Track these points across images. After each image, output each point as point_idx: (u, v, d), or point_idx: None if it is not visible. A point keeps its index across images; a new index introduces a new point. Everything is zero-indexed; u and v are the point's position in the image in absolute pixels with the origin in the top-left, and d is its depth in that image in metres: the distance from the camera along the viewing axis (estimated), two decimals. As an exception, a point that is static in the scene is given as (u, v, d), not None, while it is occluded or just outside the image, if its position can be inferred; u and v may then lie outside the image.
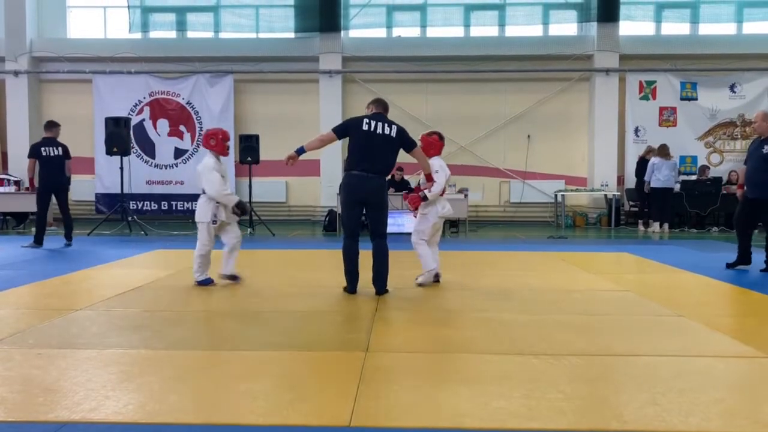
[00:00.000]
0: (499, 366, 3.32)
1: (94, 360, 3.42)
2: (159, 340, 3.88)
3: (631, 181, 13.76)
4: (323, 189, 14.23)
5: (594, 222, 14.04)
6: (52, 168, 9.21)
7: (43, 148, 9.13)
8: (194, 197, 14.02)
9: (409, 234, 11.03)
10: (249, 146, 11.76)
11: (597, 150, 14.11)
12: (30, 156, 9.28)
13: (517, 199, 14.50)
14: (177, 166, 14.25)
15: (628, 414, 2.67)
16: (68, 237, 9.28)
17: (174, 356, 3.52)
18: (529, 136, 14.41)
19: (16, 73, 14.36)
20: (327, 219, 12.40)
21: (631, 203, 13.87)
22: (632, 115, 14.02)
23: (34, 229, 9.50)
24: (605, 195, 13.79)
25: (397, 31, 14.81)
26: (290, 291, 5.51)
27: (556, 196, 13.89)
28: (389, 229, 11.69)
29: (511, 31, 14.62)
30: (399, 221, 11.63)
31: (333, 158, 14.19)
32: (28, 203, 11.03)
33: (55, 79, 14.78)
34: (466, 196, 12.09)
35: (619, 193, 13.75)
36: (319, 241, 10.77)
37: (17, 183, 12.91)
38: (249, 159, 11.70)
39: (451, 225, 12.48)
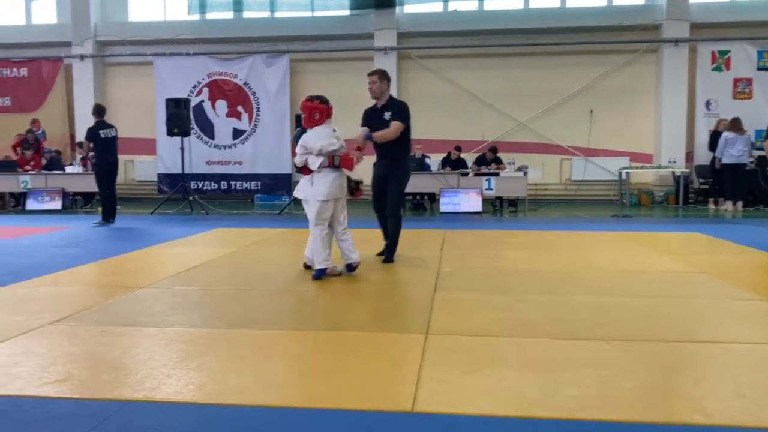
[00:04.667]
0: (568, 351, 3.15)
1: (155, 338, 3.44)
2: (219, 318, 3.88)
3: (700, 158, 13.09)
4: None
5: (660, 200, 13.45)
6: (111, 149, 9.63)
7: (101, 131, 9.44)
8: (252, 177, 14.44)
9: (466, 213, 10.82)
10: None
11: (664, 125, 13.46)
12: (89, 138, 9.62)
13: (578, 176, 14.04)
14: (235, 147, 14.44)
15: (712, 406, 2.47)
16: (112, 216, 9.65)
17: (234, 335, 3.51)
18: (591, 111, 13.88)
19: (82, 57, 14.80)
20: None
21: (701, 180, 13.20)
22: (703, 87, 13.29)
23: (101, 209, 9.81)
24: (673, 172, 13.18)
25: (453, 5, 14.44)
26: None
27: (620, 173, 13.36)
28: (446, 208, 11.53)
29: (573, 1, 14.06)
30: (455, 200, 11.46)
31: (389, 137, 14.05)
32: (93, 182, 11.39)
33: (118, 63, 15.18)
34: (525, 174, 11.77)
35: (687, 170, 13.11)
36: (371, 218, 10.69)
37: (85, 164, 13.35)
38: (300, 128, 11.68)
39: (510, 204, 12.20)
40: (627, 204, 12.84)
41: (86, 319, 3.85)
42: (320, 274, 5.04)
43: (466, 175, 11.87)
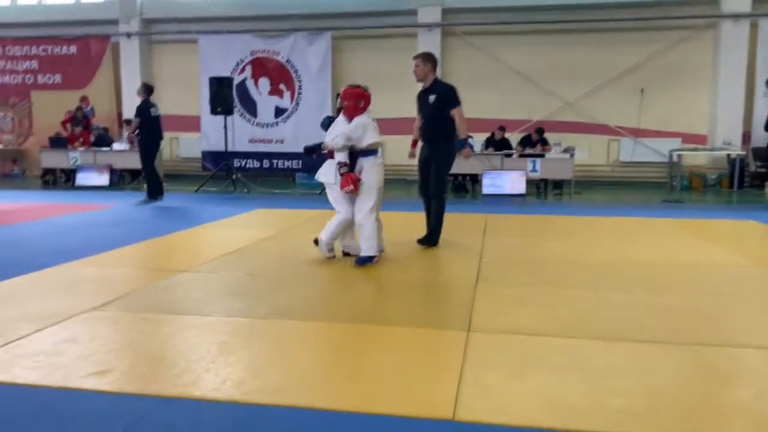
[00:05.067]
0: (616, 355, 3.02)
1: (195, 328, 3.45)
2: (259, 307, 3.87)
3: (758, 139, 12.50)
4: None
5: (713, 184, 12.92)
6: (158, 127, 9.85)
7: (151, 109, 9.58)
8: (294, 156, 14.45)
9: (509, 195, 10.61)
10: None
11: (720, 105, 12.87)
12: (139, 115, 9.70)
13: (627, 158, 13.60)
14: (277, 125, 14.45)
15: (776, 424, 2.32)
16: (159, 192, 9.85)
17: (272, 326, 3.48)
18: (642, 90, 13.36)
19: (129, 35, 14.98)
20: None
21: (758, 164, 12.61)
22: (765, 65, 12.61)
23: (146, 186, 9.97)
24: (728, 154, 12.62)
25: (500, -20, 14.02)
26: (388, 257, 5.37)
27: (671, 155, 12.87)
28: (489, 190, 11.33)
29: (627, -26, 13.47)
30: (498, 182, 11.24)
31: (431, 116, 13.86)
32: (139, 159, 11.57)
33: (163, 40, 15.30)
34: (572, 155, 11.44)
35: (744, 153, 12.53)
36: (414, 201, 10.57)
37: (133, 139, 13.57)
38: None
39: (555, 186, 11.90)
40: (677, 187, 12.38)
41: (129, 305, 3.88)
42: (368, 261, 5.02)
43: (510, 156, 11.61)
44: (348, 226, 5.26)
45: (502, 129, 12.14)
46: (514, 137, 12.71)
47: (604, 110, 13.51)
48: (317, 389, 2.65)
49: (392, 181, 14.22)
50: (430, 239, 5.89)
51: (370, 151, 5.10)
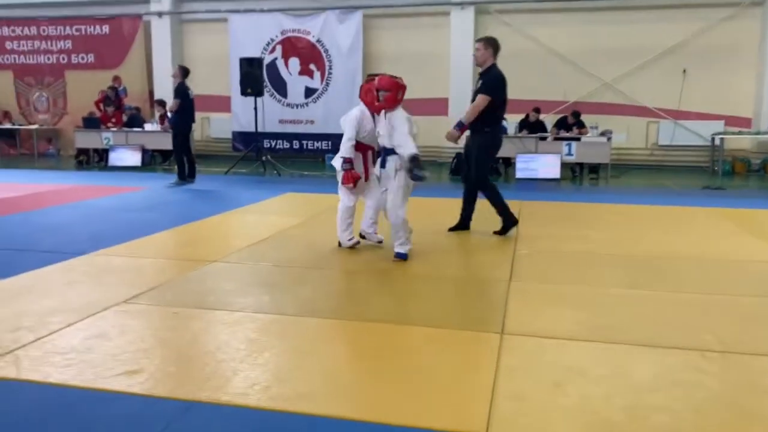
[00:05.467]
0: (658, 364, 2.88)
1: (224, 324, 3.41)
2: (287, 302, 3.81)
3: (807, 123, 11.97)
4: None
5: (757, 169, 12.46)
6: (192, 109, 9.85)
7: (189, 90, 9.60)
8: (324, 137, 14.36)
9: (543, 180, 10.37)
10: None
11: (767, 86, 12.33)
12: (180, 97, 9.62)
13: (666, 141, 13.17)
14: (307, 106, 14.36)
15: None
16: (191, 175, 9.83)
17: (301, 324, 3.42)
18: (684, 70, 12.86)
19: (160, 14, 14.97)
20: (454, 162, 11.95)
21: (806, 148, 12.11)
22: (815, 44, 12.03)
23: (177, 168, 10.00)
24: (773, 138, 12.14)
25: (537, -44, 13.59)
26: (418, 249, 5.26)
27: (713, 138, 12.43)
28: (522, 174, 11.11)
29: (670, -51, 12.92)
30: (532, 165, 11.01)
31: (462, 98, 13.59)
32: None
33: (194, 19, 15.25)
34: (609, 139, 11.12)
35: (790, 136, 12.04)
36: (445, 186, 10.44)
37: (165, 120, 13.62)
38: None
39: (591, 170, 11.61)
40: (719, 172, 11.95)
41: (159, 297, 3.86)
42: (405, 257, 4.85)
43: (544, 139, 11.34)
44: (351, 213, 5.16)
45: (537, 111, 11.86)
46: (549, 119, 12.41)
47: (644, 91, 13.08)
48: (342, 396, 2.58)
49: (423, 164, 14.03)
50: (507, 225, 5.80)
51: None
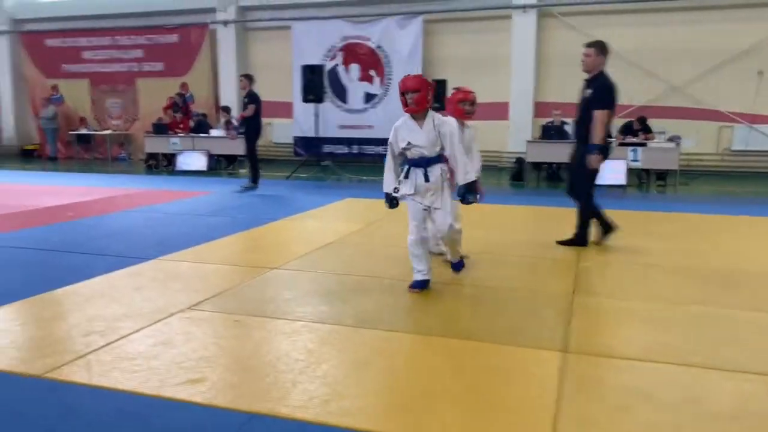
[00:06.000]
0: (734, 392, 2.72)
1: (284, 334, 3.45)
2: (346, 313, 3.82)
3: None
4: (512, 134, 13.53)
5: (841, 176, 11.72)
6: (261, 115, 10.05)
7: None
8: (383, 141, 14.33)
9: (608, 186, 10.05)
10: (437, 92, 11.38)
11: None
12: (255, 102, 9.83)
13: (740, 146, 12.58)
14: (367, 111, 14.46)
15: None
16: (255, 180, 10.04)
17: (360, 336, 3.43)
18: (760, 72, 12.24)
19: (226, 23, 15.40)
20: (516, 168, 11.76)
21: None
22: None
23: (243, 171, 10.22)
24: None
25: (603, -44, 13.24)
26: (477, 258, 5.19)
27: (791, 144, 11.78)
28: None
29: (746, -55, 12.35)
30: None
31: (523, 102, 13.41)
32: (237, 145, 11.92)
33: (258, 27, 15.62)
34: (678, 144, 10.70)
35: None
36: (506, 192, 10.28)
37: (231, 127, 13.98)
38: (437, 105, 11.32)
39: (658, 177, 11.19)
40: (798, 179, 11.32)
41: (222, 304, 3.95)
42: (462, 267, 4.61)
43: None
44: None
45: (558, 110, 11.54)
46: (614, 123, 12.04)
47: (716, 95, 12.53)
48: (400, 414, 2.55)
49: (483, 169, 13.90)
50: (576, 240, 5.63)
51: (441, 156, 4.18)
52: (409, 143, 4.09)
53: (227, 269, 4.96)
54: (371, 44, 14.21)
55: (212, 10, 15.50)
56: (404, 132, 4.12)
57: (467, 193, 4.17)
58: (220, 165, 13.89)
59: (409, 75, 4.14)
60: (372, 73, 14.29)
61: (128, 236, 6.21)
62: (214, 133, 13.69)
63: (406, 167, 4.17)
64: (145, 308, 3.84)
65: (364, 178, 11.88)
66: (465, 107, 4.98)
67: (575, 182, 5.66)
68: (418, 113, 4.07)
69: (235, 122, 12.20)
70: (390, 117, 14.08)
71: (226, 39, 15.54)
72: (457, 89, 5.12)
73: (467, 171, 4.13)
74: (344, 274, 4.73)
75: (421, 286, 4.29)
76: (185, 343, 3.28)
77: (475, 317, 3.85)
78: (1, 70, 17.47)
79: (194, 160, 13.23)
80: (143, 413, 2.55)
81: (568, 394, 2.68)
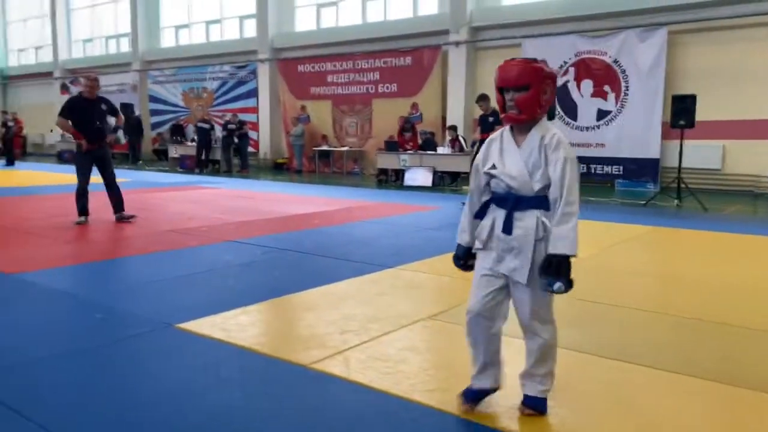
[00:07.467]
0: None
1: (522, 353, 3.39)
2: (594, 342, 3.63)
3: None
4: None
5: None
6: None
7: None
8: (614, 161, 13.65)
9: None
10: (683, 108, 10.44)
11: None
12: (498, 122, 10.06)
13: None
14: (599, 128, 13.81)
15: None
16: None
17: (612, 369, 3.24)
18: None
19: (457, 44, 15.86)
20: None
21: None
22: None
23: (465, 187, 10.41)
24: None
25: None
26: (725, 296, 4.61)
27: None
28: None
29: None
30: None
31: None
32: (460, 163, 12.17)
33: (487, 47, 15.81)
34: None
35: None
36: (763, 220, 9.02)
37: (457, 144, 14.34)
38: (682, 122, 10.40)
39: None
40: None
41: (459, 317, 4.00)
42: (543, 408, 2.69)
43: None
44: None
45: None
46: None
47: None
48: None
49: (734, 194, 12.43)
50: None
51: (543, 198, 2.52)
52: (494, 166, 2.61)
53: (462, 282, 5.04)
54: (607, 59, 13.55)
55: (445, 32, 16.06)
56: (494, 149, 2.65)
57: (560, 276, 2.48)
58: (443, 181, 14.30)
59: (512, 60, 2.63)
60: (606, 88, 13.61)
61: (367, 245, 6.66)
62: (440, 150, 14.16)
63: (484, 203, 2.72)
64: (389, 313, 4.07)
65: (592, 199, 11.32)
66: None
67: None
68: (522, 123, 2.56)
69: (461, 140, 12.48)
70: (624, 134, 13.33)
71: (457, 59, 15.97)
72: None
73: (569, 235, 2.45)
74: (589, 301, 4.51)
75: (473, 398, 2.71)
76: (430, 351, 3.41)
77: (740, 358, 3.41)
78: (262, 93, 20.04)
79: (420, 176, 13.81)
80: (398, 415, 2.68)
81: None
